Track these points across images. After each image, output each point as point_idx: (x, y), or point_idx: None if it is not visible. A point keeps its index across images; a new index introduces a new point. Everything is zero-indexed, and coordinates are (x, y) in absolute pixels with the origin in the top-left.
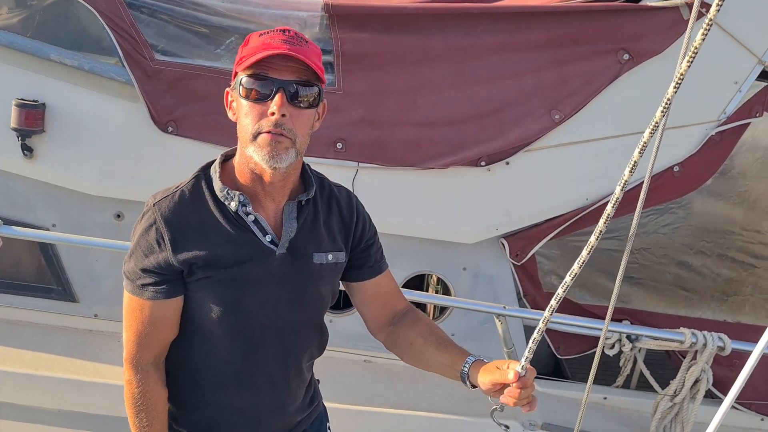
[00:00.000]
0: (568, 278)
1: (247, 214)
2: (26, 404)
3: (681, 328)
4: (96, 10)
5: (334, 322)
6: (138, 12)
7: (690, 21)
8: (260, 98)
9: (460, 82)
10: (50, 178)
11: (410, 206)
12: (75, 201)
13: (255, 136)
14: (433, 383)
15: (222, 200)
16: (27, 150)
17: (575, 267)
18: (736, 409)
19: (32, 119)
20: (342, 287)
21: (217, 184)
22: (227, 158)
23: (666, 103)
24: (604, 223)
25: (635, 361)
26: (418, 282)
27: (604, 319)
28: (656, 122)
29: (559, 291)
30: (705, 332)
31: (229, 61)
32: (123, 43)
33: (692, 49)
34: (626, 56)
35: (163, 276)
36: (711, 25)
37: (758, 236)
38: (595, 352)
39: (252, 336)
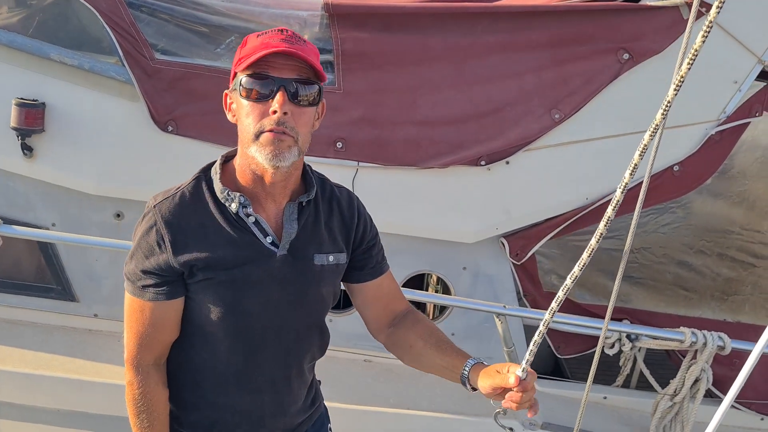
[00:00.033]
0: (568, 281)
1: (248, 215)
2: (26, 404)
3: (681, 327)
4: (96, 10)
5: (334, 321)
6: (138, 11)
7: (689, 21)
8: (261, 97)
9: (460, 82)
10: (50, 178)
11: (410, 206)
12: (75, 200)
13: (257, 136)
14: (433, 382)
15: (222, 201)
16: (27, 149)
17: (576, 270)
18: (736, 408)
19: (32, 118)
20: (343, 288)
21: (217, 186)
22: (228, 159)
23: (666, 106)
24: (605, 225)
25: (635, 360)
26: (417, 282)
27: (603, 318)
28: (656, 124)
29: (560, 294)
30: (705, 331)
31: (229, 61)
32: (123, 42)
33: (692, 51)
34: (626, 56)
35: (163, 277)
36: (711, 27)
37: (758, 236)
38: (594, 352)
39: (253, 337)
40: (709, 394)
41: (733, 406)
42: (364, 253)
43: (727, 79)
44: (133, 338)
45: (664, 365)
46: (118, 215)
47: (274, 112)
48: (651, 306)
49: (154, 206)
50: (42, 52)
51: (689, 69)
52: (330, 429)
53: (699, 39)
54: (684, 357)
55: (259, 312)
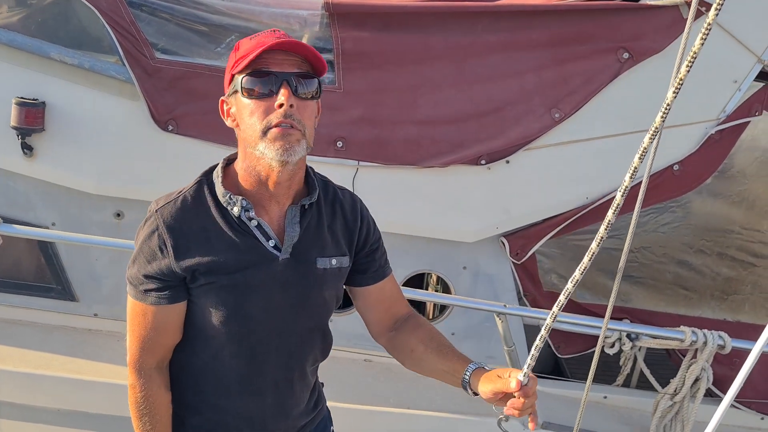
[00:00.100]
0: (569, 285)
1: (250, 219)
2: (26, 403)
3: (681, 326)
4: (96, 9)
5: (334, 321)
6: (138, 10)
7: (688, 21)
8: (264, 94)
9: (460, 81)
10: (50, 177)
11: (410, 205)
12: (75, 200)
13: (265, 132)
14: (433, 383)
15: (224, 205)
16: (27, 149)
17: (576, 274)
18: (736, 407)
19: (32, 118)
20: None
21: (219, 189)
22: (229, 163)
23: (665, 108)
24: (605, 229)
25: (635, 360)
26: (417, 282)
27: (604, 317)
28: (656, 127)
29: (561, 298)
30: (705, 330)
31: None
32: (123, 41)
33: (691, 52)
34: (626, 55)
35: (165, 282)
36: (710, 29)
37: (758, 235)
38: (594, 351)
39: (255, 341)
40: (709, 393)
41: (733, 406)
42: (367, 257)
43: (726, 79)
44: (136, 342)
45: (665, 365)
46: (118, 215)
47: (280, 105)
48: (651, 305)
49: (156, 211)
50: (42, 51)
51: (688, 71)
52: (332, 431)
53: (698, 40)
54: (684, 356)
55: (262, 316)
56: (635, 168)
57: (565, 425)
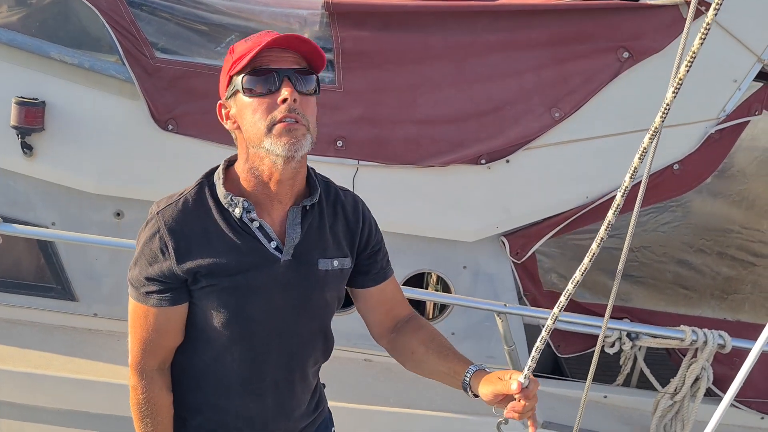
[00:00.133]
0: (570, 286)
1: (252, 220)
2: (26, 403)
3: (681, 325)
4: (96, 8)
5: (333, 321)
6: (138, 10)
7: (687, 21)
8: (266, 92)
9: (460, 80)
10: (50, 177)
11: (410, 204)
12: (75, 199)
13: (270, 128)
14: (433, 382)
15: (226, 207)
16: (27, 148)
17: (577, 275)
18: (736, 407)
19: (32, 117)
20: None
21: (220, 191)
22: (230, 164)
23: (665, 109)
24: (605, 230)
25: (635, 359)
26: (417, 282)
27: (604, 317)
28: (656, 128)
29: (561, 299)
30: (705, 330)
31: None
32: (123, 40)
33: (690, 53)
34: (626, 54)
35: (167, 284)
36: (709, 29)
37: (758, 234)
38: (595, 351)
39: (257, 343)
40: (709, 393)
41: (733, 405)
42: (369, 258)
43: (726, 78)
44: (138, 343)
45: (665, 365)
46: (118, 214)
47: (284, 100)
48: (651, 305)
49: (157, 213)
50: (42, 50)
51: (687, 71)
52: None
53: (697, 41)
54: (684, 356)
55: (263, 317)
56: (635, 168)
57: (565, 425)
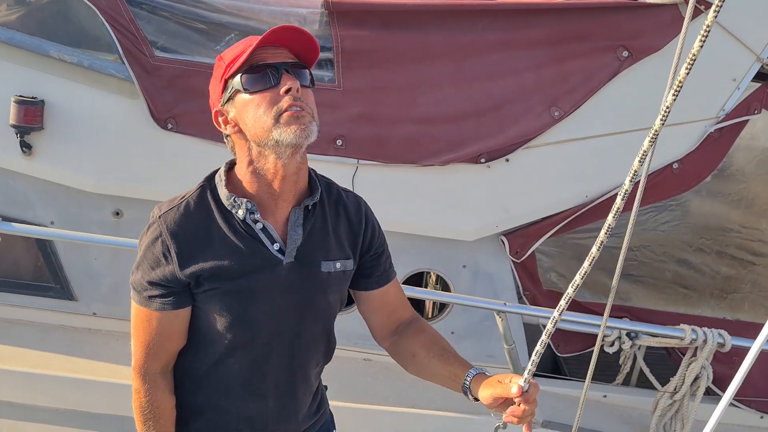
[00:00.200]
0: (570, 290)
1: (255, 221)
2: (25, 403)
3: (681, 324)
4: (95, 7)
5: None
6: (137, 8)
7: (685, 21)
8: (267, 86)
9: (459, 79)
10: (49, 176)
11: (410, 203)
12: (74, 198)
13: (277, 119)
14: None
15: (229, 208)
16: (26, 147)
17: (577, 279)
18: (736, 406)
19: (31, 116)
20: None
21: (223, 192)
22: (231, 167)
23: (665, 112)
24: (605, 233)
25: (635, 358)
26: (416, 282)
27: (603, 316)
28: (656, 131)
29: (562, 303)
30: (705, 329)
31: None
32: (122, 39)
33: (690, 54)
34: (625, 53)
35: (170, 288)
36: (709, 30)
37: (757, 233)
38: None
39: (258, 345)
40: (709, 392)
41: (732, 404)
42: (372, 260)
43: (725, 77)
44: (141, 347)
45: (664, 364)
46: (117, 213)
47: (287, 90)
48: (651, 304)
49: (159, 217)
50: (41, 49)
51: (688, 73)
52: None
53: (697, 43)
54: (684, 355)
55: (265, 320)
56: (635, 171)
57: (566, 424)
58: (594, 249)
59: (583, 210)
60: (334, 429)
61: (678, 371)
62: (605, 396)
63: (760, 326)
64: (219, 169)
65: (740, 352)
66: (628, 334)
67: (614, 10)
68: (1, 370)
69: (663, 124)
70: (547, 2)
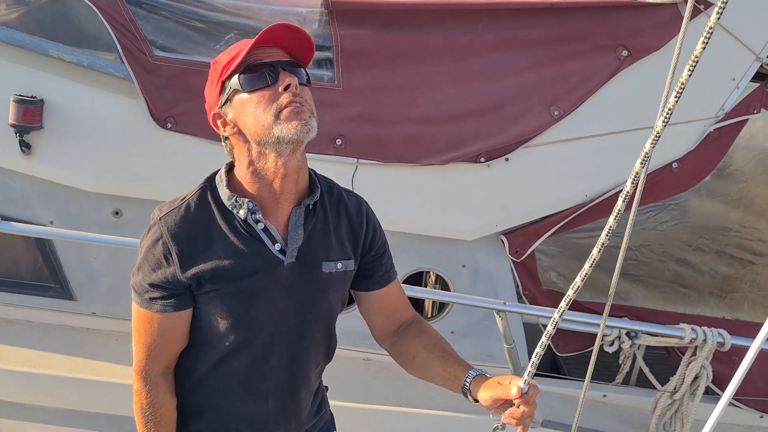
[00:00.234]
0: (570, 292)
1: (257, 221)
2: (24, 402)
3: (681, 323)
4: (95, 6)
5: None
6: (137, 8)
7: (684, 21)
8: (265, 84)
9: (459, 79)
10: (48, 175)
11: (410, 203)
12: (73, 198)
13: (278, 115)
14: None
15: (230, 209)
16: (25, 146)
17: (578, 281)
18: (735, 406)
19: (30, 115)
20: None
21: (224, 192)
22: (231, 168)
23: (667, 113)
24: (607, 235)
25: (634, 358)
26: (416, 282)
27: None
28: (658, 132)
29: (562, 305)
30: (705, 328)
31: None
32: (122, 38)
33: (693, 56)
34: (625, 52)
35: (171, 290)
36: (711, 32)
37: (756, 233)
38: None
39: (259, 345)
40: (709, 392)
41: (732, 404)
42: (373, 261)
43: (725, 76)
44: (142, 349)
45: (664, 364)
46: (117, 213)
47: (286, 87)
48: (650, 304)
49: (160, 218)
50: (41, 48)
51: (690, 74)
52: None
53: (699, 45)
54: (683, 354)
55: (266, 321)
56: (637, 173)
57: (566, 423)
58: (595, 251)
59: (582, 209)
60: (335, 430)
61: (677, 371)
62: (605, 395)
63: (760, 326)
64: (219, 170)
65: (740, 352)
66: (627, 334)
67: (614, 10)
68: (1, 370)
69: (665, 125)
70: (547, 2)
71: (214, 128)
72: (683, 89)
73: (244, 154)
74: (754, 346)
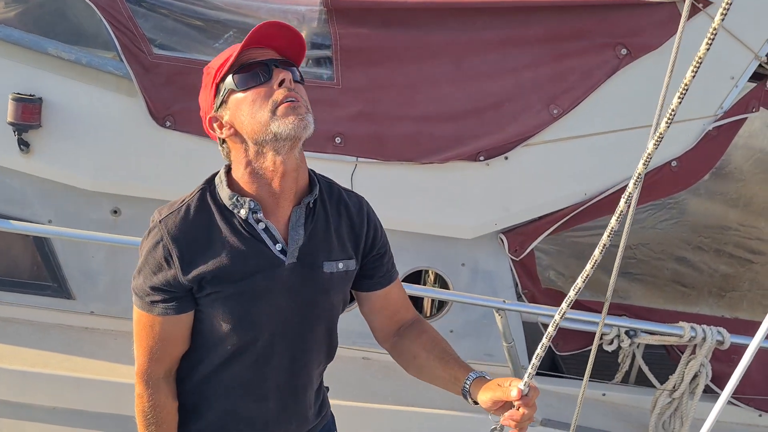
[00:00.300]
0: (572, 293)
1: (258, 221)
2: (23, 402)
3: (680, 322)
4: (94, 4)
5: None
6: (136, 6)
7: (682, 19)
8: (260, 82)
9: (458, 77)
10: (47, 174)
11: (409, 201)
12: (71, 197)
13: (274, 111)
14: None
15: (231, 208)
16: (23, 145)
17: (579, 282)
18: (734, 404)
19: (29, 114)
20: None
21: (225, 192)
22: (230, 170)
23: (671, 114)
24: (608, 236)
25: (634, 357)
26: (415, 281)
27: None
28: (661, 134)
29: (563, 306)
30: (704, 326)
31: None
32: (121, 36)
33: (696, 58)
34: (624, 51)
35: (172, 293)
36: (716, 34)
37: (755, 232)
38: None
39: (260, 346)
40: (708, 391)
41: (731, 402)
42: (374, 261)
43: (724, 75)
44: (144, 352)
45: (663, 364)
46: (115, 211)
47: (281, 83)
48: (649, 302)
49: (160, 221)
50: (39, 46)
51: (694, 76)
52: None
53: (703, 47)
54: (683, 353)
55: (268, 321)
56: (639, 174)
57: (565, 422)
58: (596, 252)
59: (582, 208)
60: (336, 430)
61: (677, 369)
62: (604, 394)
63: (759, 324)
64: (218, 171)
65: (739, 350)
66: (626, 332)
67: (613, 8)
68: None
69: (669, 126)
70: (546, 0)
71: (211, 133)
72: (686, 90)
73: (242, 154)
74: (753, 345)
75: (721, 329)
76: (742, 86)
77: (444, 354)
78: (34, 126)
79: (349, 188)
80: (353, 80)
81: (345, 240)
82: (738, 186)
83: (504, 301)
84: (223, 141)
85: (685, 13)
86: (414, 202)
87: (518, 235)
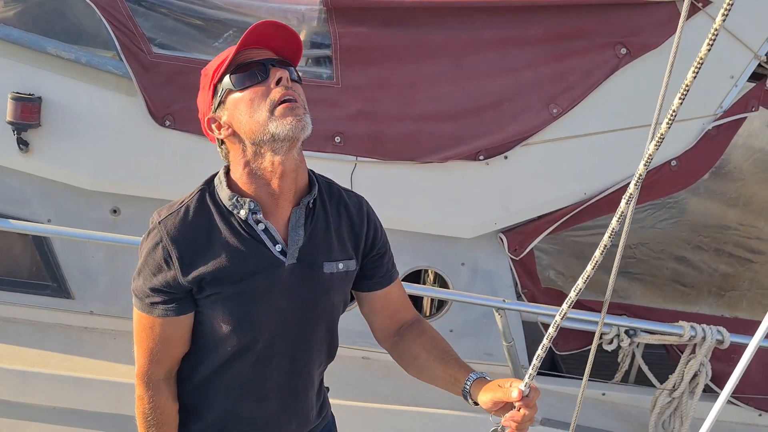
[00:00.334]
0: (572, 294)
1: (257, 222)
2: (22, 401)
3: (680, 321)
4: (93, 4)
5: None
6: (135, 5)
7: (681, 19)
8: (257, 81)
9: (458, 77)
10: (46, 173)
11: (408, 200)
12: (71, 196)
13: (272, 111)
14: None
15: (230, 209)
16: (23, 144)
17: (579, 283)
18: (734, 404)
19: (28, 113)
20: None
21: (225, 193)
22: (229, 171)
23: (671, 115)
24: (609, 237)
25: (633, 356)
26: (414, 280)
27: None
28: (662, 134)
29: (564, 307)
30: (704, 325)
31: None
32: (120, 36)
33: (698, 59)
34: (624, 50)
35: (172, 294)
36: (717, 35)
37: (755, 231)
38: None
39: (260, 347)
40: (708, 390)
41: (730, 402)
42: (375, 261)
43: (723, 74)
44: (144, 354)
45: (663, 364)
46: (115, 211)
47: (278, 81)
48: (649, 302)
49: (159, 222)
50: (39, 45)
51: (695, 77)
52: None
53: (705, 47)
54: (682, 352)
55: (268, 322)
56: (640, 175)
57: (565, 422)
58: (597, 252)
59: (581, 207)
60: (335, 431)
61: (676, 368)
62: (604, 394)
63: (758, 324)
64: (217, 172)
65: (739, 350)
66: (626, 332)
67: (612, 8)
68: None
69: (669, 127)
70: (546, 0)
71: (209, 134)
72: (688, 91)
73: (240, 155)
74: (753, 344)
75: (721, 328)
76: (742, 85)
77: (444, 354)
78: (34, 125)
79: (349, 188)
80: (353, 79)
81: (345, 240)
82: (737, 185)
83: (504, 301)
84: (222, 142)
85: (684, 13)
86: (414, 201)
87: (518, 235)
